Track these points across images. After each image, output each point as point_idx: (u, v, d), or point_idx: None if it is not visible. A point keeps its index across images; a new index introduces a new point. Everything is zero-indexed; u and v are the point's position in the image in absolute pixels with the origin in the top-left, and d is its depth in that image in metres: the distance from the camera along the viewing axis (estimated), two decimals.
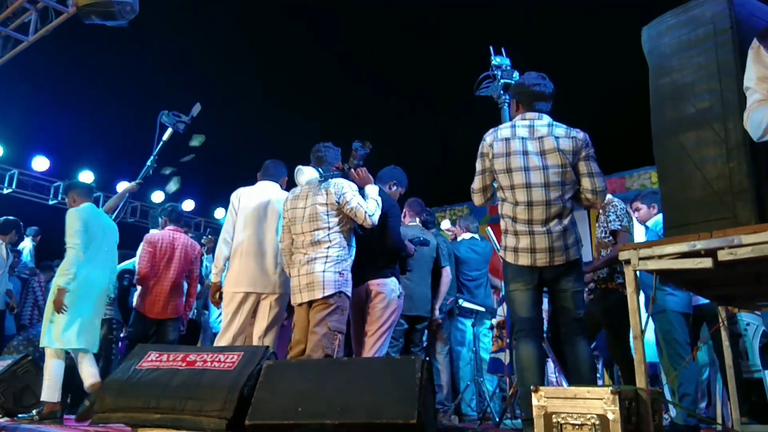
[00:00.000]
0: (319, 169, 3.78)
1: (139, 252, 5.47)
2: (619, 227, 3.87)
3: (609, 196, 4.00)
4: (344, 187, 3.66)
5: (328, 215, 3.62)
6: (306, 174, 3.78)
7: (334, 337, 3.48)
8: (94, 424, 3.05)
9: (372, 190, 3.78)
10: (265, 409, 2.68)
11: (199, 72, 7.82)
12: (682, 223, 2.44)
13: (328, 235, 3.60)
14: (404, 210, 5.04)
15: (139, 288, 5.20)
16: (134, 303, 5.16)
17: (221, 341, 3.94)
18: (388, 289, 3.79)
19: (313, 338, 3.45)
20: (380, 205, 3.72)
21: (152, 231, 5.53)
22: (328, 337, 3.44)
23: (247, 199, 4.12)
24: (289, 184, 4.13)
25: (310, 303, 3.55)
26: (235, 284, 3.97)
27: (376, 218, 3.64)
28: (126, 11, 5.52)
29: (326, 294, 3.49)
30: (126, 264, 6.01)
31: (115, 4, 5.40)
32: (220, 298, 4.06)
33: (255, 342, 3.88)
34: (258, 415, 2.66)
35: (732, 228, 2.21)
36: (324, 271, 3.52)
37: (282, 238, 3.83)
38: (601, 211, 4.01)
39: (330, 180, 3.72)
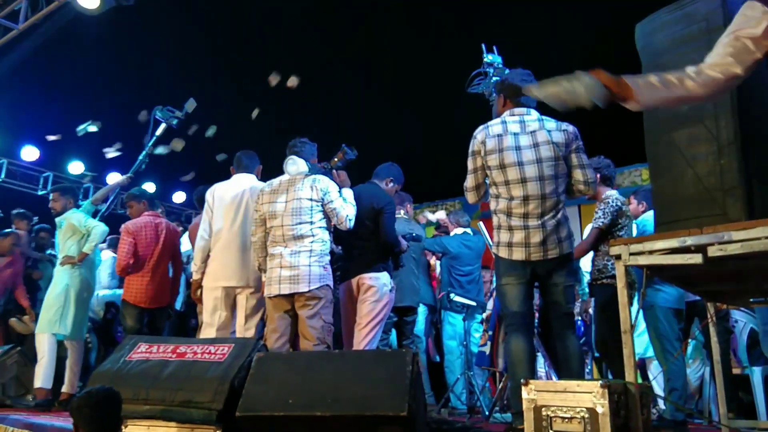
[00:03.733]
0: (309, 164, 3.78)
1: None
2: (596, 225, 3.89)
3: (612, 191, 4.01)
4: (329, 186, 3.70)
5: (312, 210, 3.63)
6: (298, 165, 3.76)
7: (330, 329, 3.56)
8: None
9: (349, 194, 3.81)
10: (256, 400, 2.67)
11: (193, 65, 7.77)
12: (673, 219, 2.45)
13: (311, 229, 3.62)
14: None
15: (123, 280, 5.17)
16: (122, 294, 5.13)
17: (203, 337, 3.94)
18: (380, 283, 3.80)
19: (313, 332, 3.48)
20: (355, 209, 3.74)
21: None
22: (326, 330, 3.52)
23: (223, 193, 4.11)
24: (268, 174, 4.10)
25: (290, 295, 3.55)
26: (213, 279, 3.97)
27: (353, 223, 3.68)
28: None
29: (313, 287, 3.52)
30: (106, 294, 6.04)
31: None
32: (202, 294, 4.06)
33: (238, 335, 3.88)
34: (248, 406, 2.66)
35: (722, 224, 2.23)
36: (310, 265, 3.54)
37: (254, 231, 3.81)
38: (598, 204, 4.05)
39: (315, 176, 3.73)
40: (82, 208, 5.46)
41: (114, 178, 9.03)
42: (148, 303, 4.82)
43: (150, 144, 5.32)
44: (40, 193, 10.06)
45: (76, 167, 10.06)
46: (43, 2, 6.34)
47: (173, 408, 2.75)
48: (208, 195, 4.15)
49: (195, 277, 4.09)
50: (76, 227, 4.97)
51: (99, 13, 5.18)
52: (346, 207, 3.68)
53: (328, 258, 3.67)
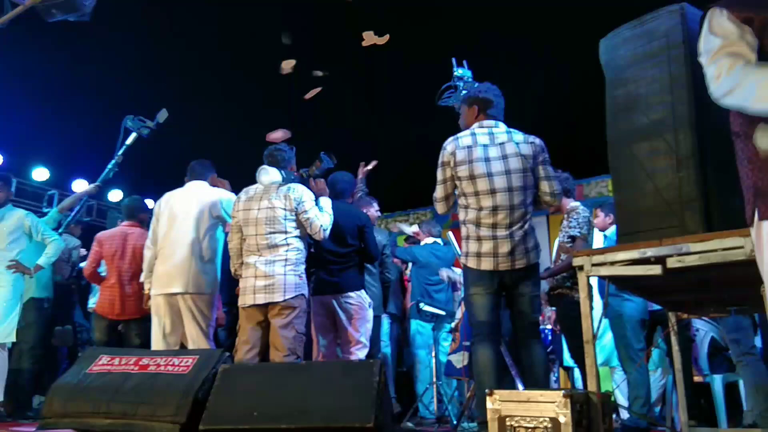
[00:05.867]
0: (282, 172, 3.74)
1: None
2: (578, 234, 3.97)
3: (575, 203, 4.12)
4: (304, 195, 3.65)
5: (285, 220, 3.59)
6: (270, 175, 3.70)
7: (302, 339, 3.53)
8: (41, 429, 2.94)
9: (326, 203, 3.78)
10: (220, 413, 2.64)
11: (162, 73, 7.70)
12: (633, 230, 2.50)
13: (286, 239, 3.58)
14: None
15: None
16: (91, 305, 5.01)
17: (154, 346, 3.87)
18: (365, 301, 3.92)
19: (284, 342, 3.43)
20: (332, 218, 3.72)
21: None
22: (298, 340, 3.49)
23: (172, 201, 4.07)
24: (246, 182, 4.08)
25: (264, 305, 3.51)
26: (154, 287, 3.92)
27: (328, 232, 3.65)
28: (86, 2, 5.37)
29: (288, 297, 3.48)
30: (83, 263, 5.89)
31: None
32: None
33: (189, 345, 3.80)
34: (212, 420, 2.62)
35: (680, 236, 2.28)
36: (285, 274, 3.51)
37: (230, 238, 3.77)
38: (565, 216, 4.11)
39: (290, 185, 3.69)
40: (48, 216, 5.32)
41: (81, 186, 8.86)
42: (114, 315, 4.61)
43: (119, 153, 5.22)
44: None
45: (40, 173, 9.83)
46: (9, 5, 6.20)
47: (135, 422, 2.70)
48: (156, 204, 4.12)
49: (145, 287, 4.05)
50: (32, 232, 4.70)
51: (54, 19, 5.08)
52: (321, 216, 3.63)
53: (303, 267, 3.65)
